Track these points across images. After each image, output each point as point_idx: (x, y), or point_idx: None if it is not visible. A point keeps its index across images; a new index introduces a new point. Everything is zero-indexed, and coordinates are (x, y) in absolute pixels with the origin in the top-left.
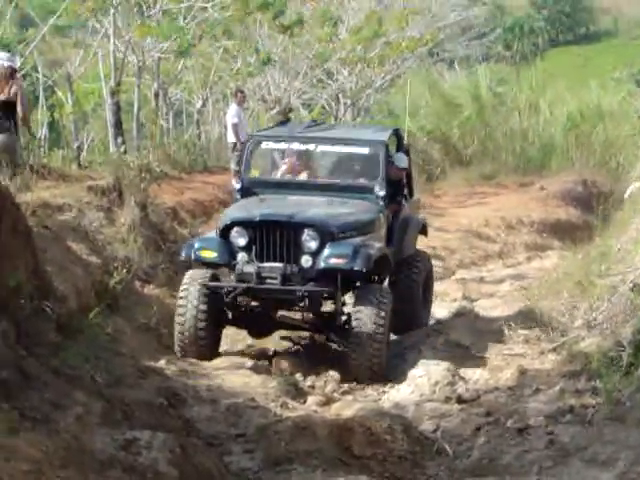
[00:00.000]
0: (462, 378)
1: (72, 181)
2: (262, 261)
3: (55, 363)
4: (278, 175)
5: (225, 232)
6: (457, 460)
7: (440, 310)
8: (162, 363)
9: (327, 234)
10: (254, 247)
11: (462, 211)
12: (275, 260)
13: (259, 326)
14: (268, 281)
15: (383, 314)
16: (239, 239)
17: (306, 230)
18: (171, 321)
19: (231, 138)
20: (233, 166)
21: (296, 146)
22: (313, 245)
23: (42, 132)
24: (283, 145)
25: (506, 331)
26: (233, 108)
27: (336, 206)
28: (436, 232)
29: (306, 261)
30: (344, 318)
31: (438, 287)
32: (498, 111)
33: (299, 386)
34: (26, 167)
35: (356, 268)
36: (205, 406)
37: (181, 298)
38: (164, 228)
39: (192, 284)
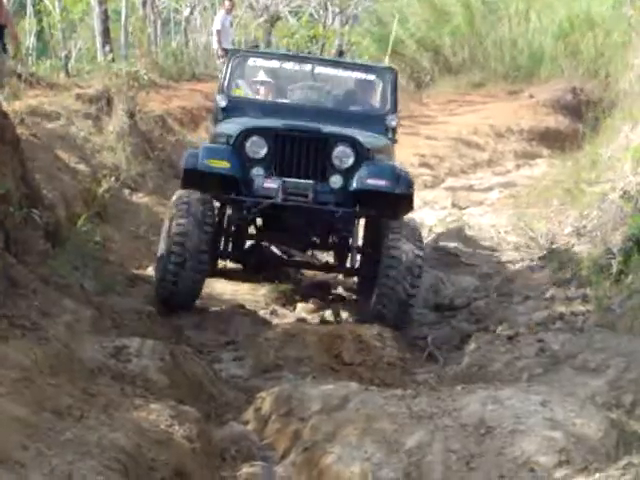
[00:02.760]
0: (452, 285)
1: (60, 90)
2: (283, 177)
3: (44, 271)
4: (267, 97)
5: (238, 141)
6: (447, 367)
7: (429, 218)
8: (150, 270)
9: (363, 151)
10: (274, 161)
11: (451, 119)
12: (299, 177)
13: (262, 260)
14: (296, 199)
15: (422, 248)
16: (257, 150)
17: (340, 144)
18: (160, 229)
19: (216, 45)
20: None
21: (290, 65)
22: (347, 162)
23: (30, 41)
24: (275, 63)
25: (495, 238)
26: (220, 15)
27: (348, 127)
28: (425, 140)
29: (336, 181)
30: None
31: (427, 195)
32: (488, 19)
33: (288, 294)
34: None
35: (398, 191)
36: (194, 314)
37: (180, 217)
38: (152, 136)
39: (193, 199)
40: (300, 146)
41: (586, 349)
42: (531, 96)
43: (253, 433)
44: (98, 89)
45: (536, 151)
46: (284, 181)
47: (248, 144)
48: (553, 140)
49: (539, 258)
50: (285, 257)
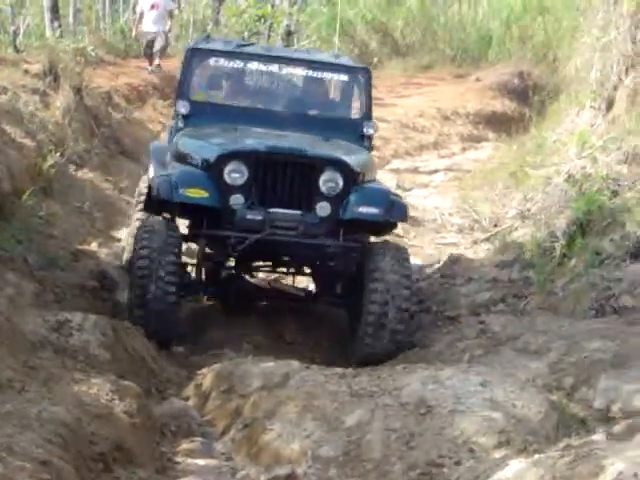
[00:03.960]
0: None
1: (7, 65)
2: (264, 206)
3: None
4: (231, 101)
5: (216, 167)
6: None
7: None
8: (94, 246)
9: (352, 175)
10: (255, 187)
11: (398, 101)
12: (283, 206)
13: (243, 296)
14: (284, 232)
15: (410, 276)
16: (237, 176)
17: (327, 169)
18: (106, 206)
19: (146, 27)
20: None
21: (255, 66)
22: (336, 189)
23: None
24: (238, 64)
25: (440, 220)
26: None
27: (331, 144)
28: None
29: (323, 208)
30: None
31: None
32: (437, 2)
33: None
34: None
35: (393, 220)
36: None
37: (143, 248)
38: (99, 112)
39: (162, 232)
40: (284, 171)
41: (528, 331)
42: (478, 79)
43: (193, 409)
44: (45, 65)
45: (482, 134)
46: (269, 212)
47: (227, 170)
48: (499, 123)
49: (483, 240)
50: (266, 288)
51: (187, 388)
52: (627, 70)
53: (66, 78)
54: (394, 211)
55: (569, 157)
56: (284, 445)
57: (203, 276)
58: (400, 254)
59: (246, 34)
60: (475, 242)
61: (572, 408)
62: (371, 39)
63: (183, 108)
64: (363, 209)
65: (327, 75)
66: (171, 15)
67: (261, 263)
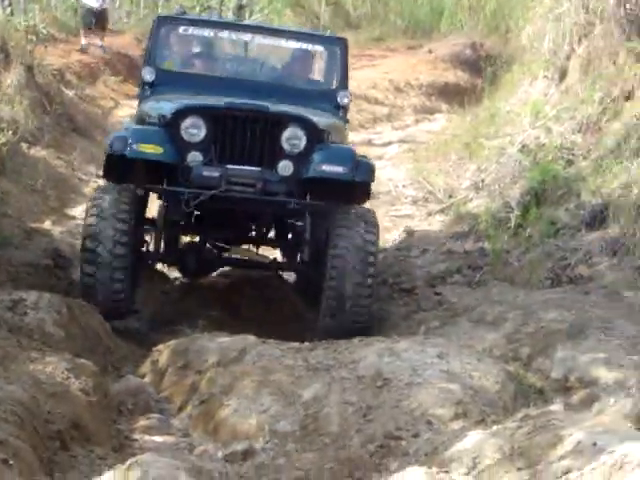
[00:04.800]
0: None
1: None
2: (223, 164)
3: None
4: (200, 70)
5: (173, 123)
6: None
7: None
8: (48, 224)
9: (317, 133)
10: (214, 145)
11: (350, 73)
12: (243, 164)
13: (202, 261)
14: (242, 189)
15: (374, 235)
16: (194, 132)
17: (290, 125)
18: (59, 184)
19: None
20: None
21: (226, 35)
22: (299, 146)
23: None
24: (208, 32)
25: (394, 193)
26: None
27: (296, 105)
28: None
29: (285, 167)
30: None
31: None
32: None
33: None
34: None
35: (358, 179)
36: None
37: (91, 215)
38: (51, 90)
39: (114, 193)
40: (244, 128)
41: (484, 302)
42: (430, 51)
43: (150, 386)
44: None
45: (435, 106)
46: (227, 169)
47: (184, 126)
48: (452, 95)
49: (437, 212)
50: (228, 256)
51: (143, 365)
52: (580, 39)
53: (17, 56)
54: (360, 171)
55: (523, 127)
56: (241, 420)
57: (163, 245)
58: (366, 218)
59: (197, 9)
60: (430, 214)
61: (529, 378)
62: (323, 11)
63: (149, 75)
64: (327, 167)
65: (301, 45)
66: None
67: (224, 238)
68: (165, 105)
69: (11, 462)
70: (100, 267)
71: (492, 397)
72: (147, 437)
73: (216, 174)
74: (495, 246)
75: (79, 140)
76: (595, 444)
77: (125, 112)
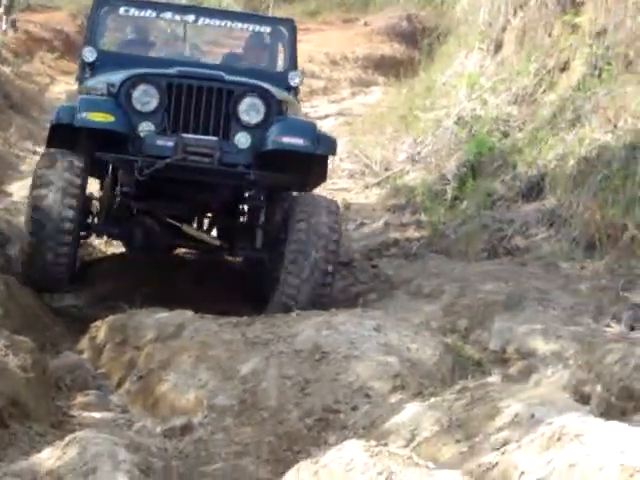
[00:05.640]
0: None
1: None
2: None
3: None
4: (142, 53)
5: (123, 91)
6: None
7: None
8: None
9: (275, 104)
10: (166, 114)
11: None
12: (198, 134)
13: (150, 238)
14: (198, 159)
15: (336, 223)
16: (146, 101)
17: (248, 95)
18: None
19: None
20: None
21: (169, 16)
22: (257, 117)
23: None
24: (150, 13)
25: (330, 166)
26: None
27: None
28: None
29: (242, 139)
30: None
31: None
32: None
33: None
34: None
35: (320, 152)
36: None
37: (39, 186)
38: None
39: (56, 161)
40: (199, 97)
41: (420, 275)
42: (366, 24)
43: (88, 362)
44: None
45: (371, 79)
46: (182, 137)
47: (136, 94)
48: (388, 67)
49: (374, 185)
50: (178, 234)
51: (81, 341)
52: (515, 11)
53: None
54: (322, 143)
55: (459, 99)
56: (179, 396)
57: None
58: (328, 205)
59: None
60: (366, 187)
61: (467, 350)
62: None
63: (89, 55)
64: (287, 139)
65: (247, 26)
66: None
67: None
68: (113, 76)
69: None
70: (46, 239)
71: (430, 369)
72: (86, 413)
73: (170, 143)
74: (432, 218)
75: (15, 117)
76: (533, 415)
77: (62, 88)
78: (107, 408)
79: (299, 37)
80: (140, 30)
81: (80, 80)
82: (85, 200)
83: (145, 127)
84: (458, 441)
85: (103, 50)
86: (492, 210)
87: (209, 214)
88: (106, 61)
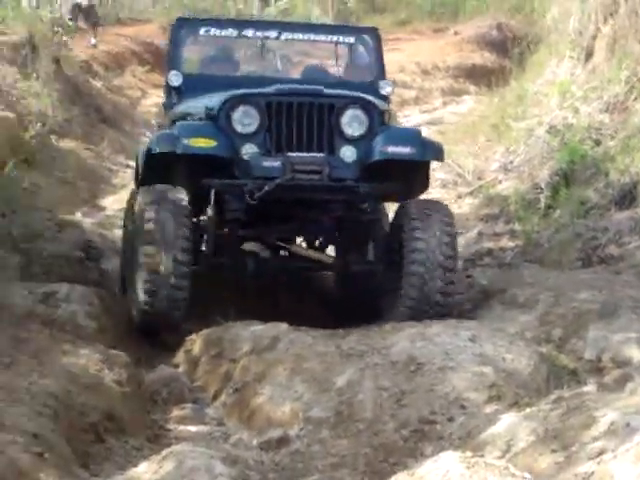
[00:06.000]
0: None
1: None
2: (281, 153)
3: None
4: (228, 72)
5: (223, 114)
6: None
7: None
8: (79, 216)
9: (378, 114)
10: (267, 134)
11: None
12: (301, 151)
13: (262, 267)
14: (307, 177)
15: (451, 226)
16: (247, 122)
17: (350, 108)
18: (89, 175)
19: None
20: None
21: (250, 33)
22: (361, 129)
23: None
24: (231, 31)
25: None
26: None
27: (348, 89)
28: None
29: (347, 153)
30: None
31: None
32: None
33: None
34: None
35: (429, 158)
36: None
37: (149, 221)
38: (78, 81)
39: (170, 195)
40: (299, 114)
41: (515, 284)
42: (456, 33)
43: (184, 375)
44: (23, 36)
45: (463, 88)
46: (289, 156)
47: (236, 116)
48: (479, 76)
49: (467, 194)
50: (288, 257)
51: (176, 355)
52: (605, 19)
53: (44, 48)
54: (428, 149)
55: (550, 108)
56: (275, 408)
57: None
58: (441, 209)
59: None
60: (459, 196)
61: (562, 360)
62: None
63: (175, 78)
64: (393, 149)
65: (331, 38)
66: None
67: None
68: (209, 99)
69: (46, 455)
70: (164, 277)
71: (525, 379)
72: (182, 427)
73: (278, 163)
74: (525, 228)
75: (108, 131)
76: (628, 424)
77: (153, 101)
78: (203, 421)
79: (390, 47)
80: (222, 49)
81: (168, 106)
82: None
83: (248, 149)
84: (554, 451)
85: (188, 73)
86: (585, 218)
87: (318, 232)
88: (192, 84)
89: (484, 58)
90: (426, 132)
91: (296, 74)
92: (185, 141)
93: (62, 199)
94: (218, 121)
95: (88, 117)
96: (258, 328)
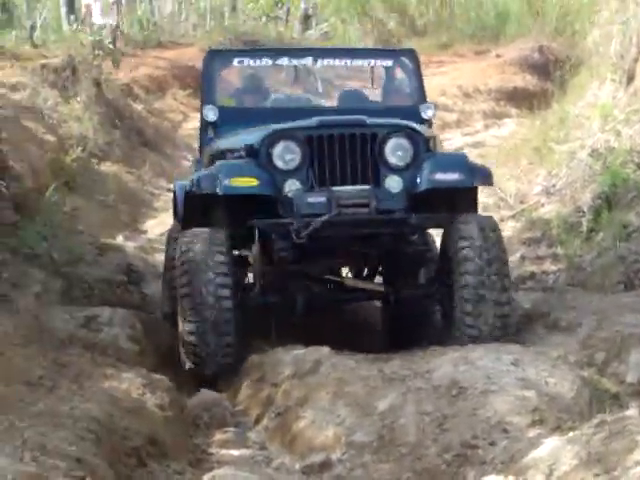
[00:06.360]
0: None
1: (26, 60)
2: (325, 187)
3: (13, 243)
4: (264, 103)
5: (263, 151)
6: None
7: None
8: (120, 239)
9: (422, 142)
10: (310, 169)
11: None
12: (346, 184)
13: (314, 302)
14: (354, 210)
15: (500, 242)
16: (288, 158)
17: (393, 137)
18: (130, 198)
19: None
20: None
21: (285, 61)
22: (406, 158)
23: None
24: (265, 61)
25: None
26: None
27: (390, 117)
28: None
29: (393, 183)
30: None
31: None
32: None
33: None
34: None
35: (477, 184)
36: None
37: (185, 274)
38: (119, 105)
39: (208, 239)
40: (341, 146)
41: (557, 308)
42: (498, 56)
43: (226, 399)
44: (64, 59)
45: (504, 111)
46: (333, 191)
47: (277, 152)
48: (521, 99)
49: (509, 218)
50: (338, 289)
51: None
52: None
53: (85, 71)
54: (477, 174)
55: (592, 131)
56: (317, 432)
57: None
58: (489, 225)
59: (263, 19)
60: (502, 220)
61: (604, 384)
62: (389, 19)
63: (211, 112)
64: (441, 176)
65: (368, 62)
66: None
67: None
68: (248, 135)
69: None
70: (206, 325)
71: (568, 403)
72: (224, 451)
73: (322, 199)
74: (567, 251)
75: (149, 154)
76: None
77: (194, 124)
78: (245, 445)
79: (431, 70)
80: (257, 80)
81: (205, 141)
82: (236, 275)
83: (292, 185)
84: (597, 475)
85: (223, 107)
86: (628, 242)
87: (366, 264)
88: (228, 118)
89: (526, 81)
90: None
91: (335, 102)
92: (226, 181)
93: (103, 223)
94: (258, 158)
95: (129, 140)
96: (300, 352)
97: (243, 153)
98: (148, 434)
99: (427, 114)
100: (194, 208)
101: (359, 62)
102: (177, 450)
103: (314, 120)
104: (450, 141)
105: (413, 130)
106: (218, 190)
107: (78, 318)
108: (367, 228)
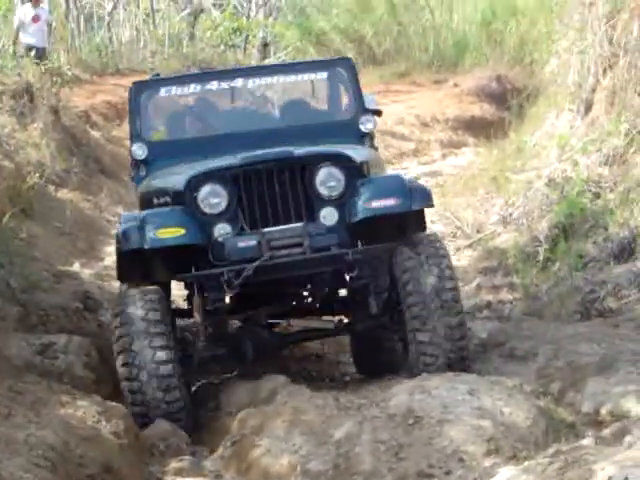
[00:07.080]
0: None
1: None
2: (258, 229)
3: None
4: (196, 133)
5: (188, 196)
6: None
7: None
8: (77, 267)
9: (354, 169)
10: (239, 210)
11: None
12: (279, 223)
13: (262, 348)
14: (288, 252)
15: (452, 275)
16: (214, 202)
17: (323, 167)
18: (87, 226)
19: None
20: None
21: (215, 85)
22: (338, 187)
23: None
24: (194, 87)
25: None
26: (23, 8)
27: (321, 144)
28: None
29: (328, 215)
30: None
31: None
32: (410, 9)
33: None
34: None
35: (416, 207)
36: None
37: (122, 332)
38: (77, 132)
39: (139, 301)
40: (269, 182)
41: (513, 337)
42: (456, 85)
43: (181, 428)
44: (21, 85)
45: (462, 140)
46: (264, 233)
47: (201, 196)
48: (479, 128)
49: (466, 247)
50: (287, 332)
51: None
52: (605, 71)
53: (42, 98)
54: (416, 197)
55: (549, 160)
56: (273, 460)
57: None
58: (434, 249)
59: (222, 47)
60: (458, 249)
61: (560, 413)
62: (346, 48)
63: (139, 150)
64: (377, 203)
65: (302, 77)
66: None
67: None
68: (173, 178)
69: None
70: (148, 393)
71: (523, 433)
72: (179, 479)
73: (254, 242)
74: (524, 280)
75: (106, 181)
76: (627, 478)
77: None
78: (201, 473)
79: (389, 99)
80: (187, 109)
81: (136, 180)
82: (175, 332)
83: (221, 230)
84: None
85: (153, 142)
86: (584, 272)
87: (309, 305)
88: (160, 153)
89: (483, 110)
90: (424, 184)
91: (270, 122)
92: (151, 234)
93: (60, 250)
94: (184, 203)
95: (86, 167)
96: (255, 381)
97: (170, 199)
98: (103, 462)
99: (367, 127)
100: (127, 261)
101: (293, 78)
102: (132, 478)
103: (238, 158)
104: (407, 170)
105: (342, 156)
106: (145, 245)
107: (34, 345)
108: (302, 269)
